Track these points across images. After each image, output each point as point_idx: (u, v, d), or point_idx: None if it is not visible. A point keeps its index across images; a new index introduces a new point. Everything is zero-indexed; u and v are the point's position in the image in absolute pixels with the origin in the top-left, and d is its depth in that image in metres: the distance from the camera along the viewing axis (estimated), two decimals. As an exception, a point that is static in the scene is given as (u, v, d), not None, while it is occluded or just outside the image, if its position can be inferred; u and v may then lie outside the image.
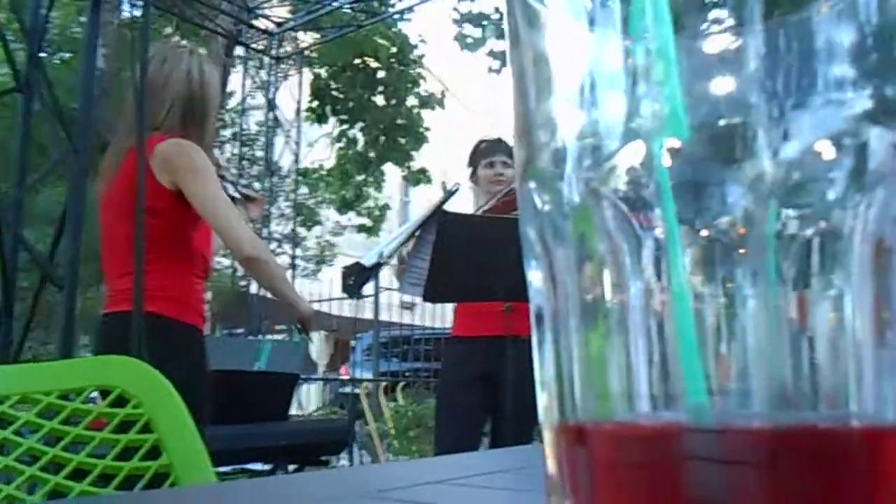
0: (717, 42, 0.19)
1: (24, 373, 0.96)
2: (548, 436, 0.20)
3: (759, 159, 0.18)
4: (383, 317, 8.41)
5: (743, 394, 0.17)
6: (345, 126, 10.02)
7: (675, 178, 0.18)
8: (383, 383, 7.74)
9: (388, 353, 8.93)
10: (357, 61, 9.52)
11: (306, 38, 8.26)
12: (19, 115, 2.34)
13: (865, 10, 0.18)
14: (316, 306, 9.70)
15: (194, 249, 2.16)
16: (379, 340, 8.30)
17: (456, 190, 2.97)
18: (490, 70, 8.89)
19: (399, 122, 9.94)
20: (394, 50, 9.70)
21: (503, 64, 8.91)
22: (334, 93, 9.70)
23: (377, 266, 2.69)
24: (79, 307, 2.07)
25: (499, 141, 3.13)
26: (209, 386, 2.16)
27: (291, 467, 3.55)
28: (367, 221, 10.75)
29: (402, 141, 10.02)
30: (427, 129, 10.11)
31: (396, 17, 8.77)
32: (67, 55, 8.39)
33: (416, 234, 2.77)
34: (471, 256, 2.46)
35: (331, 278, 9.10)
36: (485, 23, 8.83)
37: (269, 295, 6.84)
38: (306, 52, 7.92)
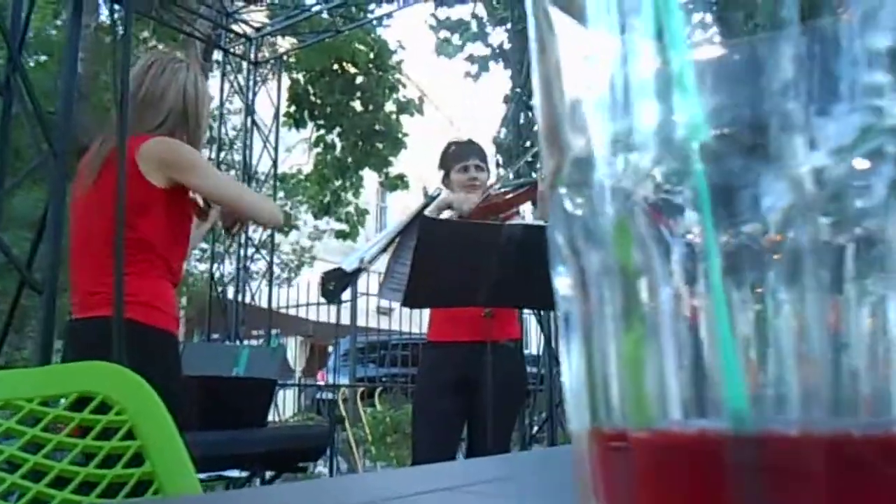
0: (753, 46, 0.19)
1: (5, 379, 0.94)
2: (578, 443, 0.20)
3: (794, 165, 0.18)
4: (360, 322, 8.39)
5: (783, 401, 0.17)
6: (322, 131, 10.00)
7: (710, 183, 0.18)
8: (360, 389, 7.71)
9: (366, 359, 8.91)
10: (335, 67, 9.52)
11: (284, 43, 8.24)
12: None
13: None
14: (293, 311, 9.67)
15: (170, 254, 2.17)
16: (356, 346, 8.28)
17: (437, 195, 2.97)
18: (468, 75, 8.91)
19: (377, 127, 9.94)
20: (372, 55, 9.70)
21: (481, 69, 8.94)
22: (312, 98, 9.68)
23: (357, 272, 2.68)
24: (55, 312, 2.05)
25: (470, 143, 3.12)
26: (184, 392, 2.15)
27: (269, 474, 3.52)
28: (344, 227, 10.73)
29: (380, 146, 10.02)
30: (405, 134, 10.12)
31: (375, 23, 8.77)
32: (43, 58, 8.30)
33: (397, 239, 2.77)
34: (451, 262, 2.47)
35: (307, 283, 9.07)
36: (463, 30, 8.86)
37: (247, 300, 6.78)
38: (285, 58, 7.90)
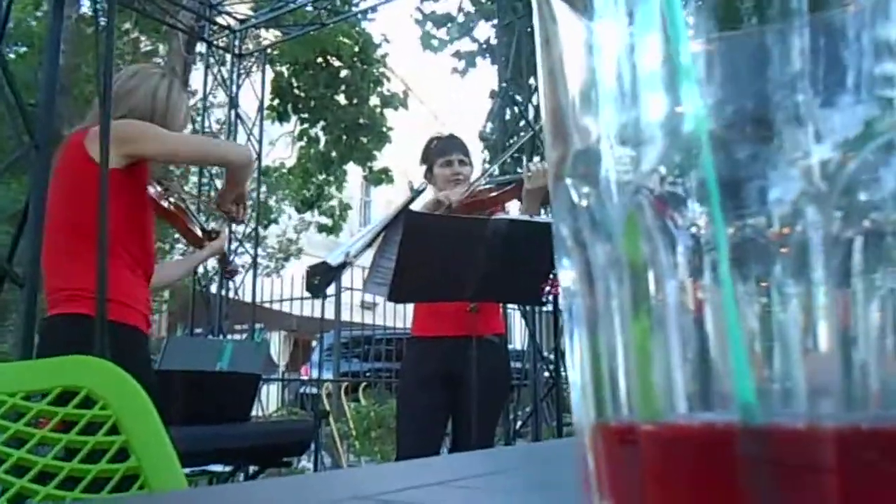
0: (762, 37, 0.19)
1: (-12, 373, 0.93)
2: (584, 437, 0.20)
3: (800, 157, 0.18)
4: (344, 317, 8.38)
5: (791, 394, 0.17)
6: (306, 125, 9.95)
7: (717, 175, 0.18)
8: (344, 384, 7.70)
9: (349, 354, 8.90)
10: (319, 60, 9.47)
11: (268, 36, 8.19)
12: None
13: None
14: (276, 306, 9.62)
15: (132, 244, 2.14)
16: (340, 340, 8.26)
17: (423, 189, 2.97)
18: (454, 71, 8.90)
19: (361, 121, 9.90)
20: (356, 49, 9.66)
21: (468, 65, 8.93)
22: (296, 91, 9.63)
23: (342, 266, 2.67)
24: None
25: (452, 138, 3.12)
26: (156, 390, 2.13)
27: (252, 469, 3.51)
28: (327, 221, 10.70)
29: (364, 140, 9.99)
30: (390, 128, 10.10)
31: (359, 16, 8.73)
32: (23, 49, 8.21)
33: (382, 233, 2.76)
34: (436, 256, 2.46)
35: (291, 277, 9.04)
36: (449, 24, 8.84)
37: (231, 294, 6.74)
38: (269, 50, 7.85)
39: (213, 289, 6.57)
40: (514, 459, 0.75)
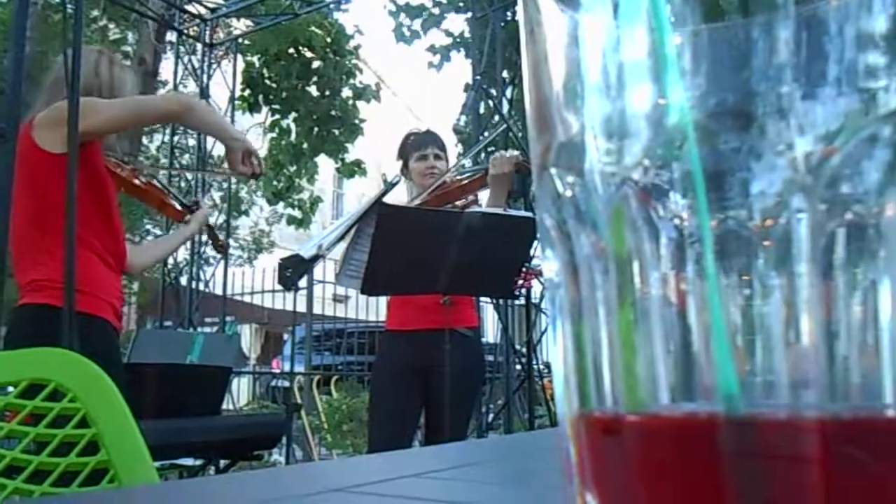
0: (748, 29, 0.19)
1: (-47, 366, 0.91)
2: (568, 427, 0.20)
3: (782, 150, 0.18)
4: (316, 310, 8.34)
5: (774, 385, 0.17)
6: (277, 116, 9.87)
7: (702, 167, 0.18)
8: (316, 377, 7.67)
9: (321, 347, 8.87)
10: (291, 50, 9.39)
11: (240, 26, 8.10)
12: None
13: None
14: (248, 298, 9.55)
15: (103, 236, 2.12)
16: (312, 333, 8.23)
17: (396, 182, 2.97)
18: (431, 66, 8.88)
19: (333, 113, 9.83)
20: (329, 40, 9.59)
21: (443, 59, 8.91)
22: (267, 82, 9.54)
23: (315, 258, 2.66)
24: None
25: (428, 133, 3.13)
26: (125, 384, 2.10)
27: (223, 463, 3.49)
28: (298, 213, 10.63)
29: (337, 132, 9.93)
30: (362, 120, 10.04)
31: (332, 6, 8.66)
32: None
33: (355, 226, 2.76)
34: (410, 249, 2.46)
35: (263, 269, 8.99)
36: (424, 15, 8.81)
37: (201, 287, 6.67)
38: (240, 40, 7.77)
39: (184, 281, 6.51)
40: (488, 451, 0.75)
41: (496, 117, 5.15)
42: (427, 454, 0.79)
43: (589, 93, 0.20)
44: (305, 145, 9.99)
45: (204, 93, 6.78)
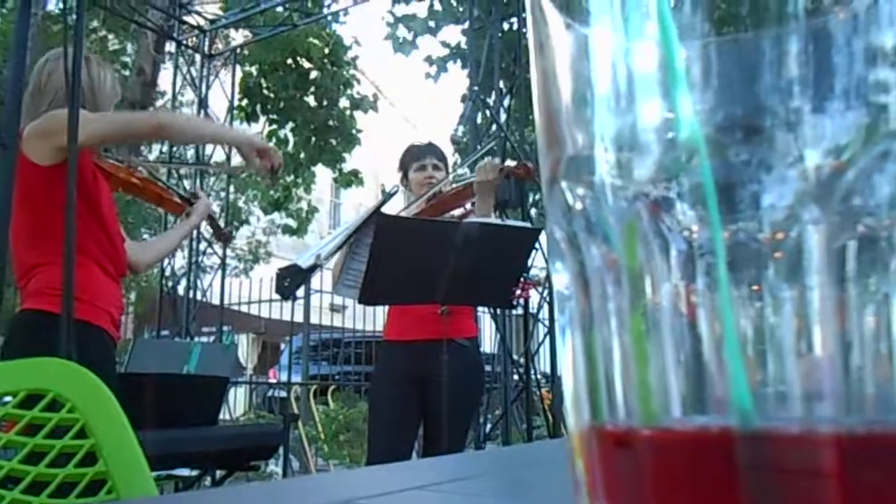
0: (757, 42, 0.19)
1: (-49, 376, 0.91)
2: (576, 440, 0.20)
3: (792, 163, 0.18)
4: (313, 319, 8.32)
5: (787, 398, 0.17)
6: (275, 126, 9.88)
7: (713, 180, 0.18)
8: (313, 387, 7.65)
9: (318, 357, 8.85)
10: (289, 61, 9.41)
11: (238, 36, 8.13)
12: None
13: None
14: (245, 308, 9.54)
15: (98, 241, 2.13)
16: (309, 343, 8.21)
17: (395, 192, 2.97)
18: (428, 76, 8.90)
19: (331, 123, 9.85)
20: (327, 51, 9.61)
21: (440, 70, 8.93)
22: (265, 92, 9.55)
23: (313, 268, 2.66)
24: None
25: (429, 145, 3.16)
26: (119, 394, 2.10)
27: (220, 473, 3.47)
28: (293, 223, 10.64)
29: (334, 142, 9.94)
30: (359, 131, 10.06)
31: (330, 18, 8.70)
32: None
33: (353, 236, 2.76)
34: (408, 259, 2.46)
35: (260, 279, 8.97)
36: (417, 24, 8.84)
37: (198, 296, 6.66)
38: (238, 51, 7.79)
39: (181, 290, 6.50)
40: (487, 463, 0.75)
41: (493, 127, 5.16)
42: (425, 466, 0.79)
43: (598, 107, 0.20)
44: (303, 155, 10.00)
45: (203, 103, 6.80)
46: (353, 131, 9.99)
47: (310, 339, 8.32)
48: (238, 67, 7.87)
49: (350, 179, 10.42)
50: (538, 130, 0.22)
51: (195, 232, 6.24)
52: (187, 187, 6.86)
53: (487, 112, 5.23)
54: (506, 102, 5.40)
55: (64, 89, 2.06)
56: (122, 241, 2.30)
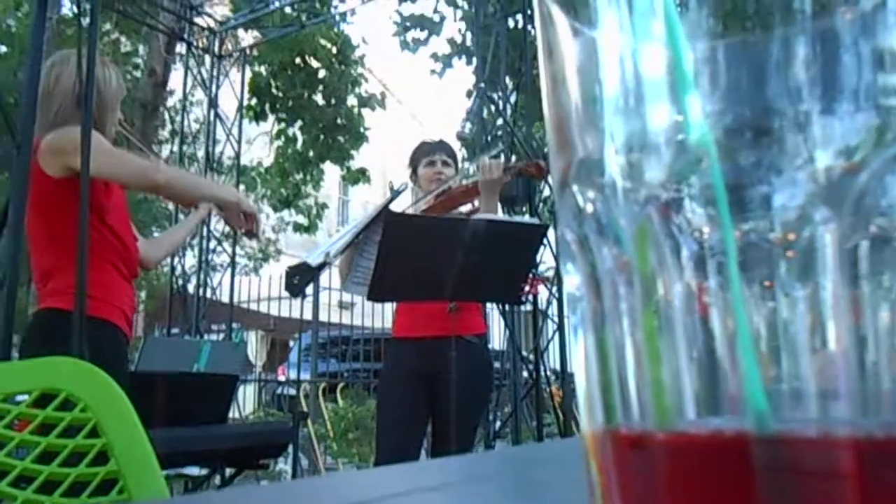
0: (765, 44, 0.19)
1: (-35, 376, 0.92)
2: (592, 442, 0.20)
3: (802, 165, 0.18)
4: (322, 317, 8.33)
5: (804, 400, 0.17)
6: (284, 124, 9.92)
7: (724, 181, 0.18)
8: (322, 384, 7.66)
9: (327, 354, 8.86)
10: (298, 61, 9.43)
11: (248, 37, 8.15)
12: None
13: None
14: (254, 306, 9.57)
15: (111, 245, 2.19)
16: (317, 341, 8.23)
17: (403, 190, 2.97)
18: (433, 73, 8.91)
19: (339, 121, 9.87)
20: (335, 50, 9.64)
21: (445, 66, 8.94)
22: (274, 91, 9.58)
23: (322, 266, 2.66)
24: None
25: (440, 142, 3.16)
26: (129, 386, 2.14)
27: (229, 471, 3.48)
28: (304, 220, 10.67)
29: (342, 140, 9.96)
30: (367, 128, 10.08)
31: (338, 17, 8.71)
32: (2, 50, 8.11)
33: (362, 233, 2.76)
34: (416, 256, 2.46)
35: (269, 277, 8.99)
36: (428, 25, 8.85)
37: (208, 294, 6.68)
38: (248, 51, 7.82)
39: (191, 288, 6.52)
40: (499, 463, 0.75)
41: (500, 121, 5.16)
42: (435, 467, 0.79)
43: (608, 110, 0.20)
44: (311, 153, 10.03)
45: (212, 102, 6.82)
46: (361, 129, 10.02)
47: (319, 336, 8.34)
48: (247, 67, 7.89)
49: (358, 177, 10.44)
50: (549, 134, 0.22)
51: (205, 230, 6.27)
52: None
53: (493, 107, 5.22)
54: (512, 99, 5.40)
55: (72, 93, 2.10)
56: (134, 242, 2.35)
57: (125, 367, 2.25)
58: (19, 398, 0.94)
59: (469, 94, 8.54)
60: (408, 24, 8.94)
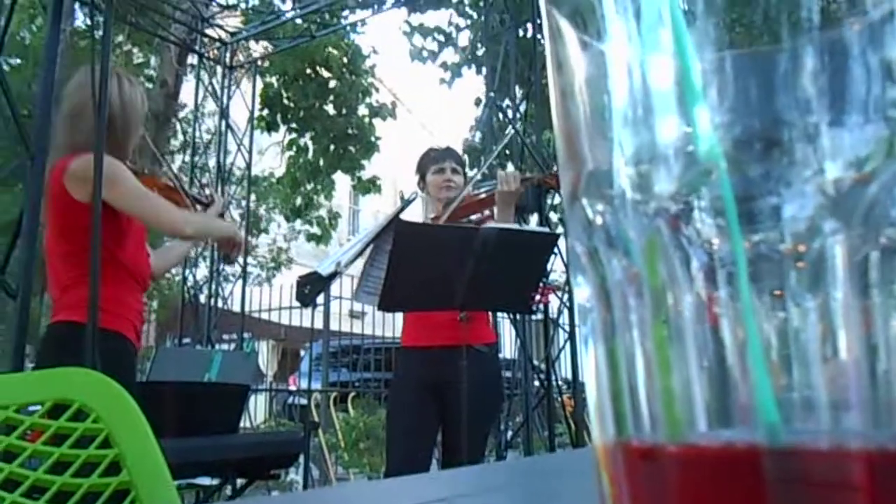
0: (774, 56, 0.19)
1: (-21, 386, 0.92)
2: (603, 454, 0.20)
3: (812, 176, 0.18)
4: (332, 326, 8.34)
5: (816, 412, 0.17)
6: (295, 135, 9.96)
7: (733, 193, 0.18)
8: (333, 394, 7.66)
9: (338, 363, 8.86)
10: (308, 71, 9.48)
11: (259, 48, 8.21)
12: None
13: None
14: (265, 315, 9.59)
15: (124, 261, 2.25)
16: (328, 350, 8.23)
17: (413, 199, 2.98)
18: (442, 81, 8.94)
19: (350, 131, 9.91)
20: (345, 60, 9.68)
21: (454, 75, 8.96)
22: (286, 101, 9.63)
23: (333, 276, 2.67)
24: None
25: (448, 149, 3.15)
26: (141, 396, 2.20)
27: (240, 482, 3.48)
28: (316, 230, 10.71)
29: (353, 150, 10.00)
30: (378, 138, 10.11)
31: (349, 28, 8.76)
32: (16, 62, 8.20)
33: (372, 243, 2.77)
34: (427, 265, 2.47)
35: (280, 286, 9.01)
36: (438, 36, 8.88)
37: (219, 304, 6.72)
38: (259, 62, 7.87)
39: (203, 298, 6.54)
40: (510, 475, 0.75)
41: (509, 129, 5.16)
42: (447, 478, 0.79)
43: (617, 122, 0.20)
44: (322, 163, 10.07)
45: (224, 113, 6.86)
46: (372, 139, 10.05)
47: (329, 345, 8.34)
48: (259, 78, 7.94)
49: (369, 186, 10.47)
50: (558, 147, 0.22)
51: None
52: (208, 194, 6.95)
53: (501, 115, 5.23)
54: (522, 107, 5.40)
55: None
56: (147, 259, 2.42)
57: (134, 378, 2.31)
58: (32, 408, 0.95)
59: (477, 103, 8.57)
60: (417, 33, 8.98)
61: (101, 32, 2.09)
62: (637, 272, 0.19)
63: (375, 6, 6.85)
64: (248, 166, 6.98)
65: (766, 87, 0.19)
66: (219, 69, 6.96)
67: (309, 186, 10.29)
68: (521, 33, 5.87)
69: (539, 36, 5.28)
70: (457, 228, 2.73)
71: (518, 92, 5.39)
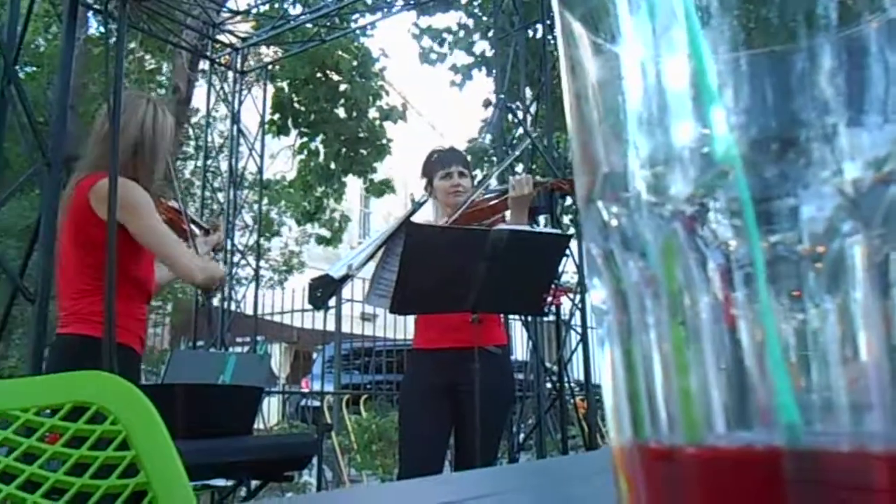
0: (793, 54, 0.19)
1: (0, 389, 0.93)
2: (620, 455, 0.20)
3: (830, 177, 0.18)
4: (344, 328, 8.36)
5: (836, 413, 0.17)
6: (306, 138, 9.99)
7: (750, 195, 0.18)
8: (345, 396, 7.67)
9: (350, 365, 8.87)
10: (319, 75, 9.51)
11: (269, 53, 8.24)
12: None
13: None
14: (278, 318, 9.61)
15: (135, 277, 2.34)
16: (340, 352, 8.24)
17: (424, 201, 2.98)
18: (453, 84, 8.94)
19: (361, 134, 9.93)
20: (355, 63, 9.70)
21: (465, 78, 8.97)
22: (296, 105, 9.66)
23: (345, 278, 2.67)
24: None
25: (452, 150, 3.13)
26: (157, 398, 2.31)
27: (254, 483, 3.49)
28: (327, 233, 10.74)
29: (364, 153, 10.02)
30: (389, 140, 10.12)
31: (358, 32, 8.78)
32: (31, 69, 8.28)
33: (384, 246, 2.77)
34: (438, 268, 2.46)
35: (292, 289, 9.03)
36: (448, 37, 8.88)
37: (232, 307, 6.76)
38: (270, 67, 7.90)
39: (216, 302, 6.57)
40: (523, 478, 0.75)
41: (519, 130, 5.15)
42: (460, 480, 0.79)
43: (632, 124, 0.20)
44: (334, 166, 10.09)
45: (235, 118, 6.89)
46: (383, 141, 10.06)
47: (342, 348, 8.36)
48: (269, 83, 7.97)
49: (381, 189, 10.49)
50: (573, 150, 0.22)
51: (230, 245, 6.35)
52: (221, 200, 6.98)
53: (510, 116, 5.22)
54: (532, 109, 5.40)
55: (132, 144, 2.25)
56: (153, 272, 2.49)
57: (138, 382, 2.42)
58: (48, 411, 0.96)
59: (486, 105, 8.57)
60: (426, 36, 8.99)
61: (114, 40, 2.13)
62: (653, 274, 0.19)
63: (385, 9, 6.86)
64: (260, 170, 7.00)
65: (783, 87, 0.19)
66: (230, 74, 7.00)
67: (320, 190, 10.32)
68: (530, 34, 5.86)
69: (549, 37, 5.27)
70: (468, 230, 2.72)
71: (528, 93, 5.39)
